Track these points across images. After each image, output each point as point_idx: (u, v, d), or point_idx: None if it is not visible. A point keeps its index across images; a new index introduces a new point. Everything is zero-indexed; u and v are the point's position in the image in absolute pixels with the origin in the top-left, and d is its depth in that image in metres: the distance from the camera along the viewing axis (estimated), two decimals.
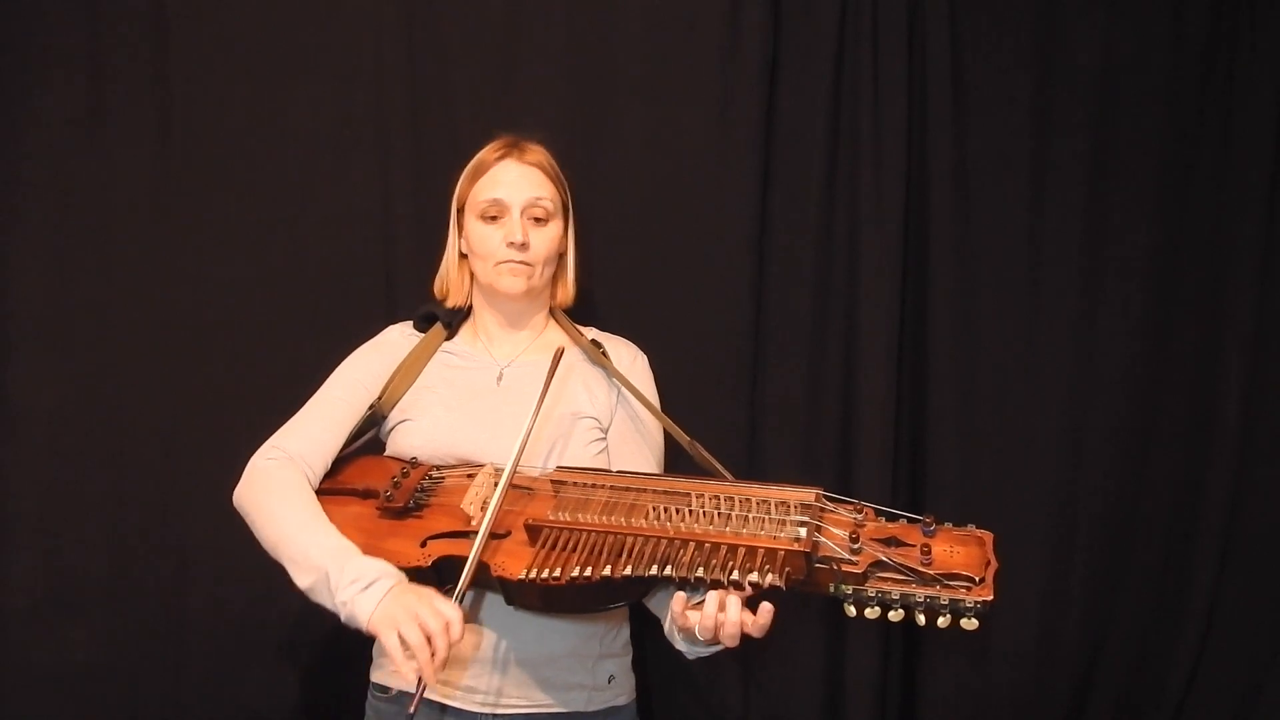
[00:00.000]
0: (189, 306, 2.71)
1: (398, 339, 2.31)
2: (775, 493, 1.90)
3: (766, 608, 1.75)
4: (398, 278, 2.73)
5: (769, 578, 1.73)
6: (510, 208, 2.19)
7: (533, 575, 1.82)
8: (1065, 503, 2.87)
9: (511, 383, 2.22)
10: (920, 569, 1.72)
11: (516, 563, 1.87)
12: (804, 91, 2.78)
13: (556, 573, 1.81)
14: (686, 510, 1.88)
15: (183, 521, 2.70)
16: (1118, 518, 2.88)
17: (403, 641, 1.78)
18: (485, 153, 2.25)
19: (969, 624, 1.69)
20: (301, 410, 2.19)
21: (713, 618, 1.75)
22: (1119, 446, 2.87)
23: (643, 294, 2.76)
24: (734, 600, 1.75)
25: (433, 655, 1.77)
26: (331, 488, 2.12)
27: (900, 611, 1.72)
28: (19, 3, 2.64)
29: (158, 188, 2.70)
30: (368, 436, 2.25)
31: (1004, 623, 2.81)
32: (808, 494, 1.89)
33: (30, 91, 2.66)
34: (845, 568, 1.74)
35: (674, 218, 2.78)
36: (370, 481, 2.12)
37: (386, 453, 2.24)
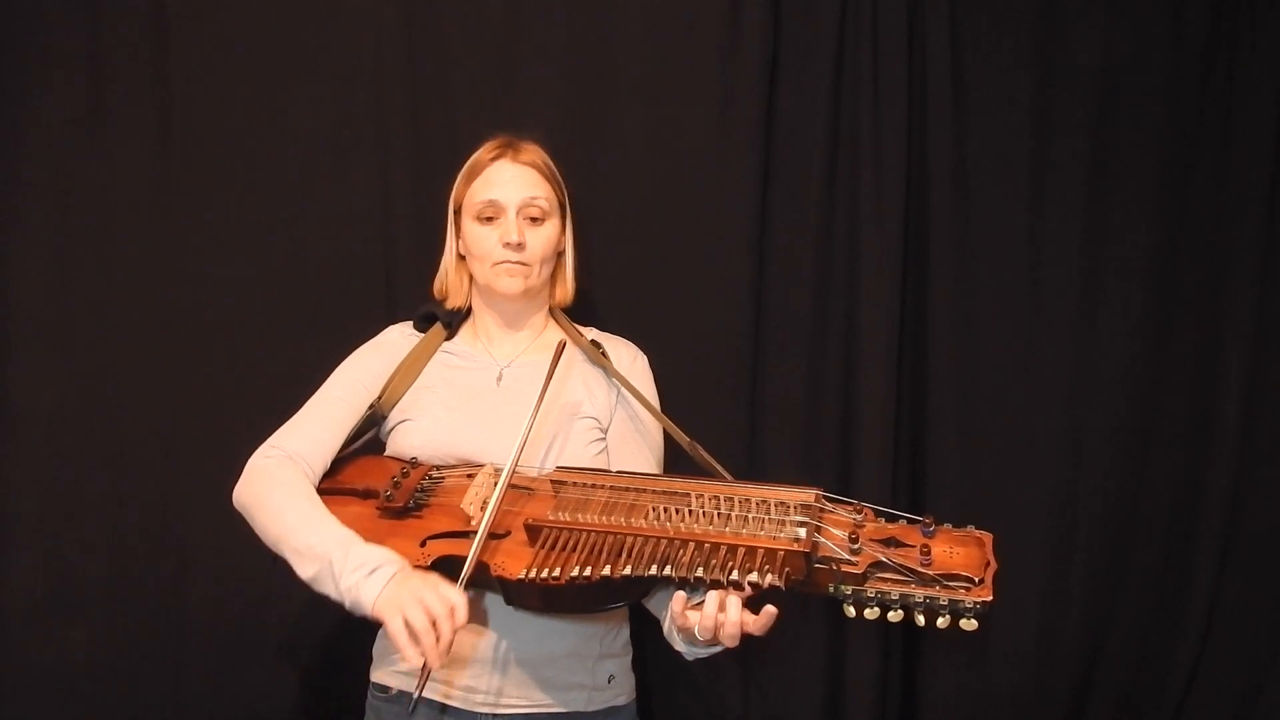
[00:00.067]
0: (189, 306, 2.71)
1: (398, 339, 2.31)
2: (775, 493, 1.90)
3: (768, 607, 1.75)
4: (398, 278, 2.73)
5: (768, 578, 1.73)
6: (506, 208, 2.19)
7: (532, 575, 1.82)
8: (1065, 503, 2.87)
9: (511, 383, 2.23)
10: (919, 570, 1.72)
11: (516, 562, 1.87)
12: (804, 91, 2.78)
13: (556, 572, 1.81)
14: (686, 510, 1.88)
15: (183, 521, 2.70)
16: (1118, 518, 2.88)
17: (408, 627, 1.78)
18: (480, 154, 2.25)
19: (968, 625, 1.69)
20: (301, 410, 2.19)
21: (713, 618, 1.75)
22: (1119, 446, 2.87)
23: (643, 294, 2.76)
24: (734, 600, 1.75)
25: (437, 640, 1.77)
26: (331, 488, 2.12)
27: (899, 612, 1.72)
28: (19, 3, 2.64)
29: (158, 188, 2.70)
30: (368, 436, 2.25)
31: (1004, 623, 2.81)
32: (807, 494, 1.89)
33: (30, 91, 2.66)
34: (845, 568, 1.74)
35: (674, 218, 2.78)
36: (370, 481, 2.12)
37: (386, 453, 2.24)
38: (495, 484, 1.95)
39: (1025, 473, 2.86)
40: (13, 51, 2.65)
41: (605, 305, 2.66)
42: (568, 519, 1.89)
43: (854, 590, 1.74)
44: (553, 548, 1.86)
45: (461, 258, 2.30)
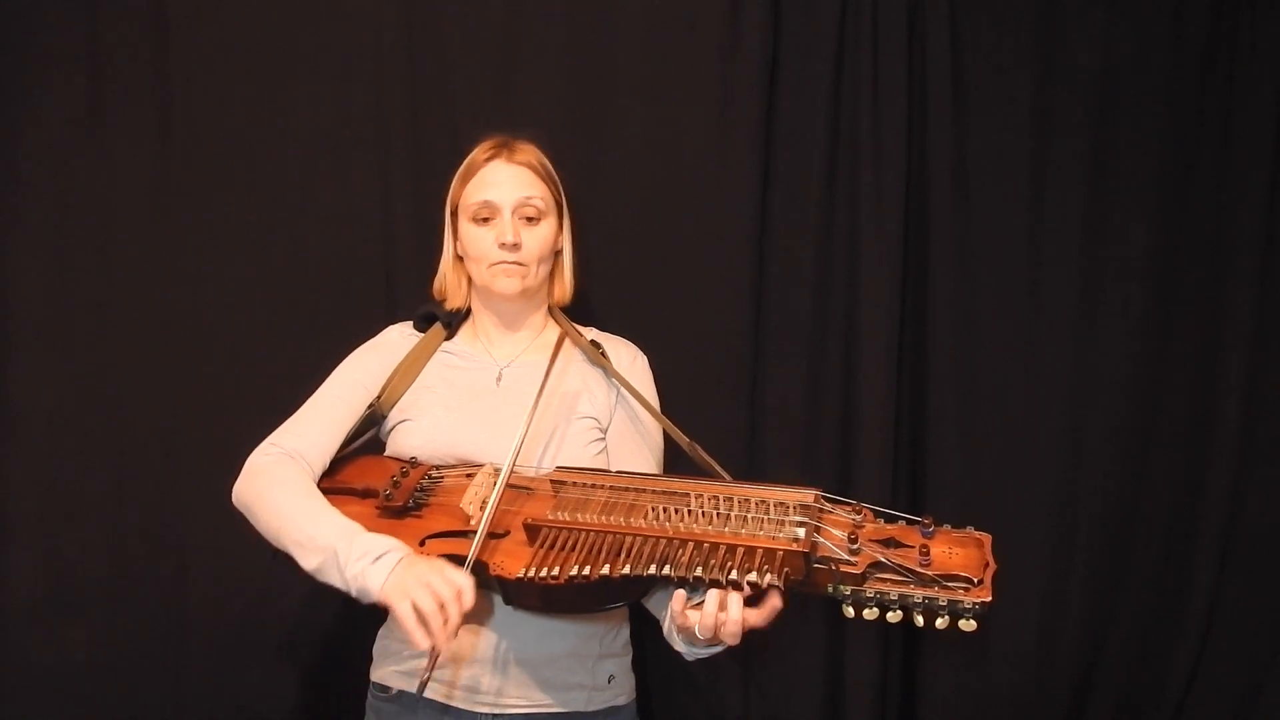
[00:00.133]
0: (189, 306, 2.71)
1: (397, 339, 2.31)
2: (774, 493, 1.90)
3: (772, 599, 1.75)
4: (398, 278, 2.73)
5: (767, 578, 1.73)
6: (501, 209, 2.19)
7: (531, 574, 1.83)
8: (1065, 503, 2.87)
9: (511, 383, 2.23)
10: (918, 570, 1.72)
11: (515, 562, 1.87)
12: (804, 91, 2.78)
13: (555, 572, 1.81)
14: (685, 510, 1.88)
15: (183, 521, 2.70)
16: (1118, 518, 2.88)
17: (416, 611, 1.78)
18: (475, 154, 2.25)
19: (967, 625, 1.69)
20: (300, 409, 2.20)
21: (713, 616, 1.75)
22: (1119, 446, 2.87)
23: (642, 294, 2.76)
24: (735, 597, 1.75)
25: (445, 623, 1.77)
26: (331, 487, 2.11)
27: (898, 612, 1.72)
28: (19, 3, 2.64)
29: (158, 188, 2.70)
30: (367, 436, 2.26)
31: (1004, 623, 2.81)
32: (807, 495, 1.89)
33: (30, 91, 2.66)
34: (844, 568, 1.74)
35: (674, 218, 2.77)
36: (369, 481, 2.12)
37: (386, 453, 2.24)
38: (495, 483, 1.95)
39: (1025, 473, 2.86)
40: (13, 51, 2.65)
41: (605, 305, 2.66)
42: (567, 518, 1.89)
43: (853, 590, 1.74)
44: (552, 547, 1.86)
45: (459, 259, 2.30)
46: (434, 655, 1.79)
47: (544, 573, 1.82)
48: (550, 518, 1.90)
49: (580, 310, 2.42)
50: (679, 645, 1.95)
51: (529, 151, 2.26)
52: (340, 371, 2.25)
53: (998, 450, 2.85)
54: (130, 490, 2.70)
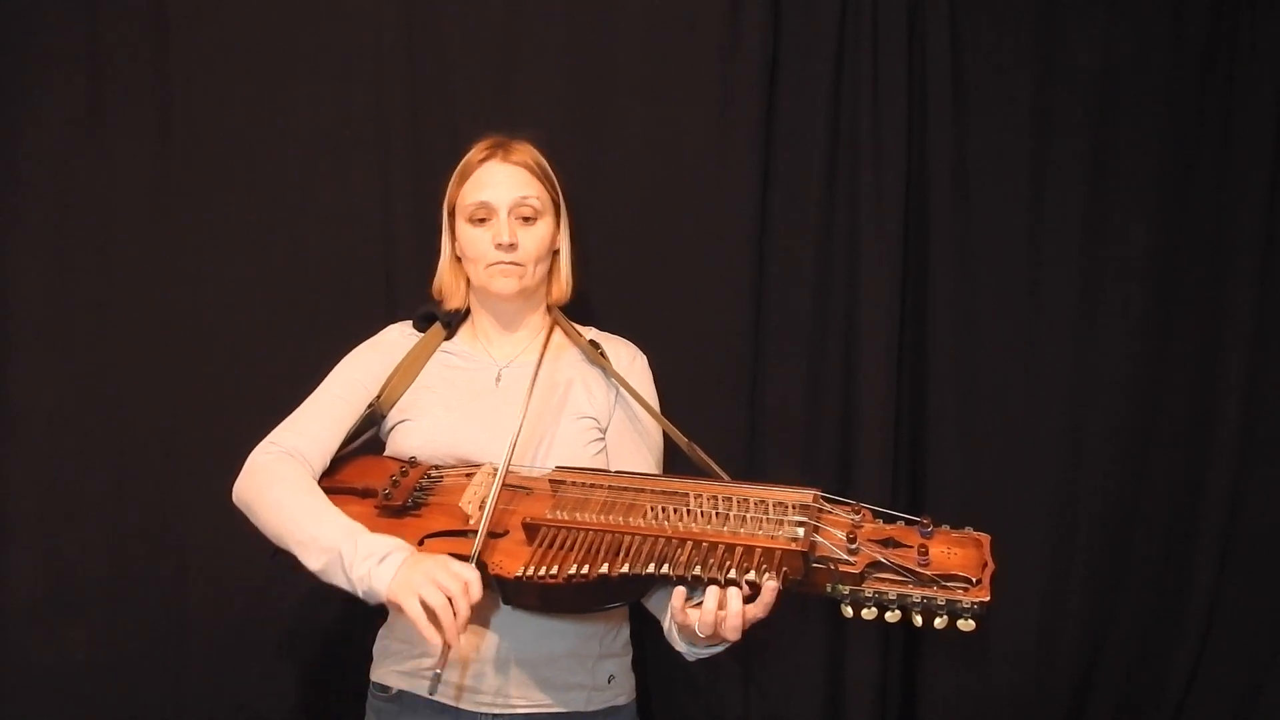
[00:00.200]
0: (189, 306, 2.71)
1: (397, 338, 2.31)
2: (773, 493, 1.90)
3: (769, 586, 1.75)
4: (398, 278, 2.73)
5: (766, 577, 1.73)
6: (497, 209, 2.19)
7: (530, 573, 1.83)
8: (1065, 503, 2.87)
9: (510, 383, 2.23)
10: (917, 570, 1.72)
11: (514, 561, 1.87)
12: (804, 91, 2.78)
13: (554, 571, 1.82)
14: (684, 510, 1.88)
15: (183, 521, 2.70)
16: (1118, 518, 2.88)
17: (424, 608, 1.78)
18: (471, 155, 2.25)
19: (966, 625, 1.69)
20: (300, 408, 2.20)
21: (713, 614, 1.75)
22: (1119, 446, 2.87)
23: (642, 294, 2.76)
24: (734, 592, 1.75)
25: (455, 616, 1.78)
26: (330, 487, 2.11)
27: (897, 612, 1.72)
28: (19, 3, 2.64)
29: (158, 188, 2.70)
30: (367, 436, 2.26)
31: (1004, 623, 2.81)
32: (806, 495, 1.89)
33: (30, 91, 2.66)
34: (842, 568, 1.74)
35: (674, 218, 2.77)
36: (369, 481, 2.12)
37: (386, 452, 2.24)
38: (494, 483, 1.95)
39: (1025, 473, 2.86)
40: (13, 51, 2.65)
41: (605, 305, 2.66)
42: (566, 518, 1.89)
43: (851, 590, 1.74)
44: (550, 546, 1.86)
45: (457, 259, 2.30)
46: (445, 651, 1.79)
47: (542, 572, 1.82)
48: (549, 517, 1.90)
49: (580, 310, 2.43)
50: (680, 645, 1.95)
51: (525, 151, 2.26)
52: (340, 370, 2.25)
53: (998, 450, 2.85)
54: (130, 490, 2.70)
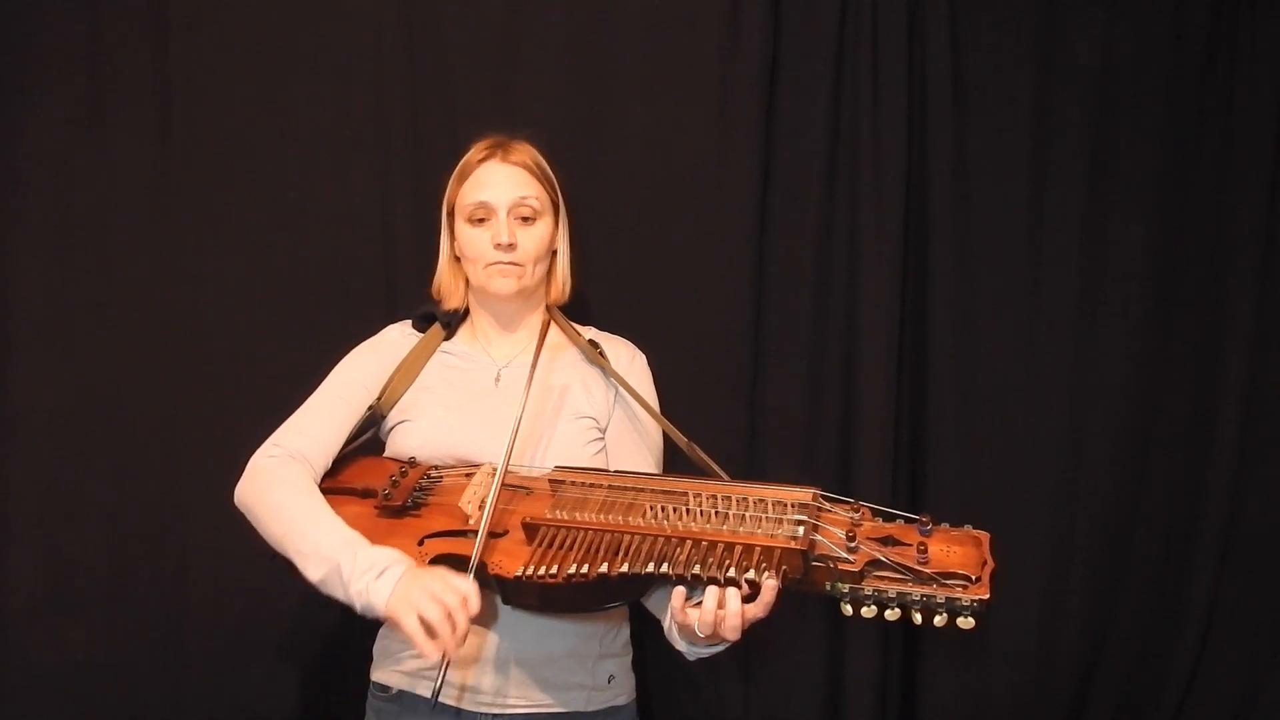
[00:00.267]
0: (189, 306, 2.71)
1: (397, 339, 2.31)
2: (773, 492, 1.89)
3: (768, 584, 1.75)
4: (398, 278, 2.73)
5: (765, 576, 1.73)
6: (496, 209, 2.18)
7: (529, 573, 1.83)
8: (1065, 503, 2.87)
9: (510, 383, 2.22)
10: (916, 568, 1.72)
11: (513, 561, 1.87)
12: (804, 91, 2.78)
13: (553, 570, 1.82)
14: (684, 509, 1.88)
15: (183, 521, 2.70)
16: (1118, 518, 2.88)
17: (423, 623, 1.78)
18: (470, 155, 2.25)
19: (965, 623, 1.69)
20: (301, 409, 2.19)
21: (712, 612, 1.75)
22: (1119, 446, 2.88)
23: (642, 294, 2.76)
24: (733, 592, 1.75)
25: (454, 630, 1.77)
26: (330, 487, 2.11)
27: (896, 610, 1.72)
28: (19, 3, 2.64)
29: (158, 188, 2.70)
30: (367, 436, 2.25)
31: (1004, 623, 2.81)
32: (805, 494, 1.88)
33: (30, 91, 2.66)
34: (842, 566, 1.74)
35: (674, 218, 2.78)
36: (369, 481, 2.12)
37: (386, 453, 2.24)
38: (494, 479, 1.95)
39: (1025, 473, 2.86)
40: (13, 51, 2.65)
41: (605, 305, 2.65)
42: (565, 517, 1.89)
43: (851, 589, 1.74)
44: (550, 546, 1.86)
45: (456, 259, 2.29)
46: (445, 663, 1.79)
47: (542, 571, 1.82)
48: (549, 517, 1.90)
49: (579, 310, 2.42)
50: (680, 644, 1.95)
51: (524, 151, 2.25)
52: (340, 370, 2.25)
53: (998, 450, 2.86)
54: (130, 490, 2.70)
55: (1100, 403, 2.87)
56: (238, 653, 2.71)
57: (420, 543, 1.97)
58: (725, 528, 1.82)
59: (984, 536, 1.80)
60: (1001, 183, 2.84)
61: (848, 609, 1.75)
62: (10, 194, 2.66)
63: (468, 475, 2.09)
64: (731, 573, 1.75)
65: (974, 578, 1.70)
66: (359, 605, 1.87)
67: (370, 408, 2.20)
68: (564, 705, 2.10)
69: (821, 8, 2.76)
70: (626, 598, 1.97)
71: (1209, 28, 2.83)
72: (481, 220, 2.19)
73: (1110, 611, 2.89)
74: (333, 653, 2.70)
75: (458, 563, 1.88)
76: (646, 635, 2.33)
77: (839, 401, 2.81)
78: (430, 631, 1.78)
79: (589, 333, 2.36)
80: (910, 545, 1.77)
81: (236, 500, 2.09)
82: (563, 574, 1.81)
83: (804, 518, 1.80)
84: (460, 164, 2.25)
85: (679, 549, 1.80)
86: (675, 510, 1.88)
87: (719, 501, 1.88)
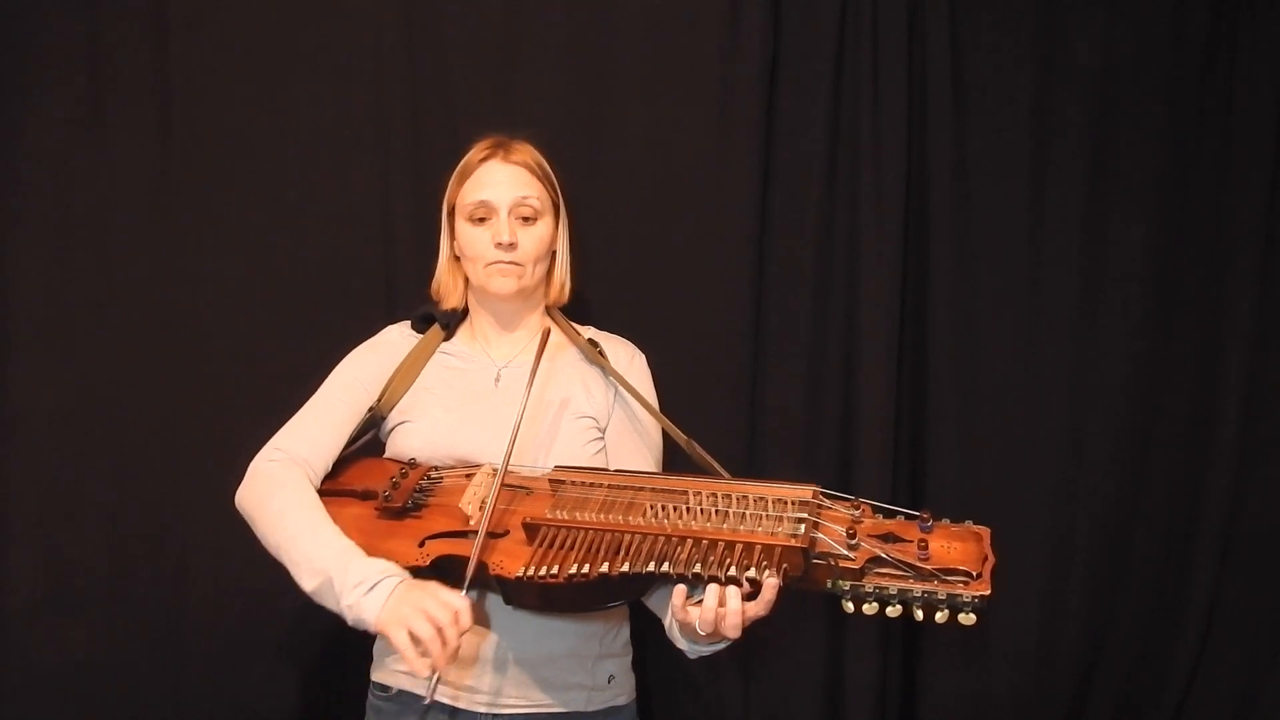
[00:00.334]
0: (189, 306, 2.71)
1: (396, 339, 2.31)
2: (773, 490, 1.89)
3: (769, 583, 1.75)
4: (398, 278, 2.73)
5: (766, 574, 1.73)
6: (497, 209, 2.18)
7: (530, 573, 1.82)
8: (1065, 503, 2.88)
9: (509, 384, 2.22)
10: (917, 564, 1.72)
11: (514, 561, 1.87)
12: (804, 91, 2.78)
13: (554, 570, 1.81)
14: (684, 508, 1.88)
15: (183, 521, 2.70)
16: (1118, 518, 2.88)
17: (413, 637, 1.78)
18: (471, 154, 2.25)
19: (967, 619, 1.68)
20: (301, 411, 2.19)
21: (713, 611, 1.75)
22: (1119, 446, 2.88)
23: (642, 294, 2.76)
24: (734, 590, 1.75)
25: (444, 645, 1.77)
26: (330, 489, 2.11)
27: (898, 607, 1.71)
28: (19, 3, 2.64)
29: (158, 188, 2.70)
30: (367, 437, 2.25)
31: (1004, 623, 2.81)
32: (805, 491, 1.88)
33: (30, 91, 2.66)
34: (842, 564, 1.74)
35: (674, 218, 2.78)
36: (369, 483, 2.12)
37: (386, 454, 2.23)
38: (494, 483, 1.95)
39: (1025, 473, 2.86)
40: (13, 51, 2.65)
41: (604, 305, 2.65)
42: (566, 517, 1.89)
43: (852, 586, 1.74)
44: (551, 546, 1.86)
45: (456, 258, 2.29)
46: (435, 678, 1.79)
47: (543, 572, 1.82)
48: (549, 517, 1.90)
49: (579, 310, 2.42)
50: (681, 643, 1.95)
51: (525, 151, 2.25)
52: (340, 372, 2.25)
53: (998, 450, 2.86)
54: (130, 490, 2.70)
55: (1100, 403, 2.87)
56: (238, 653, 2.71)
57: (421, 544, 1.97)
58: (726, 526, 1.82)
59: (984, 532, 1.80)
60: (1001, 183, 2.84)
61: (849, 606, 1.74)
62: (10, 194, 2.66)
63: (468, 476, 2.09)
64: (732, 571, 1.75)
65: (975, 573, 1.70)
66: (350, 618, 1.88)
67: (370, 409, 2.20)
68: (564, 705, 2.11)
69: (821, 8, 2.77)
70: (627, 597, 1.97)
71: (1209, 28, 2.83)
72: (482, 219, 2.19)
73: (1110, 611, 2.89)
74: (333, 653, 2.69)
75: (459, 563, 1.88)
76: (647, 635, 2.33)
77: (839, 401, 2.81)
78: (420, 647, 1.78)
79: (588, 332, 2.36)
80: (911, 542, 1.77)
81: (237, 504, 2.09)
82: (564, 574, 1.81)
83: (804, 515, 1.80)
84: (461, 163, 2.25)
85: (679, 548, 1.80)
86: (675, 509, 1.88)
87: (719, 500, 1.88)
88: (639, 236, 2.77)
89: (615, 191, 2.76)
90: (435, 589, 1.82)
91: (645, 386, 2.30)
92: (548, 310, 2.35)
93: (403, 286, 2.70)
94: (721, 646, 1.89)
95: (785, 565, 1.74)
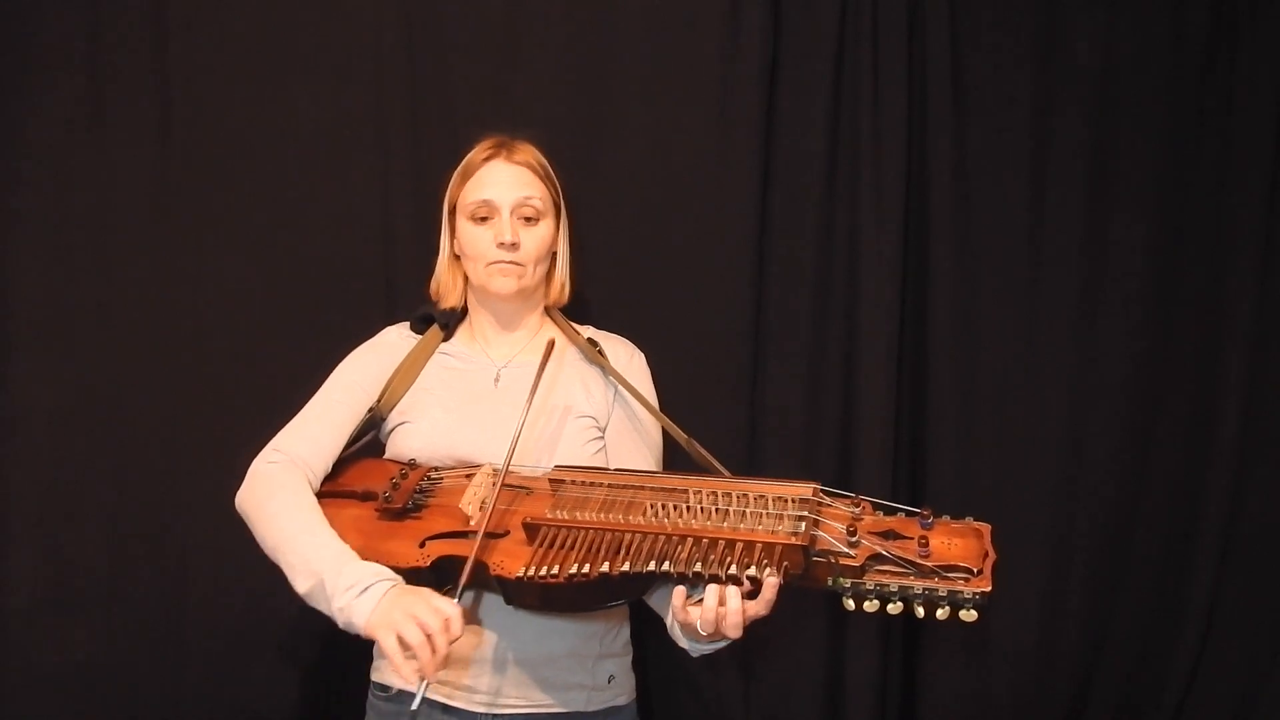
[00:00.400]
0: (189, 306, 2.71)
1: (396, 340, 2.31)
2: (773, 488, 1.89)
3: (770, 582, 1.75)
4: (398, 278, 2.73)
5: (767, 572, 1.73)
6: (500, 208, 2.18)
7: (531, 573, 1.83)
8: (1065, 503, 2.87)
9: (509, 384, 2.23)
10: (918, 561, 1.72)
11: (515, 561, 1.87)
12: (804, 91, 2.78)
13: (554, 570, 1.81)
14: (684, 507, 1.88)
15: (183, 521, 2.70)
16: (1118, 518, 2.88)
17: (402, 643, 1.77)
18: (474, 154, 2.25)
19: (967, 615, 1.69)
20: (301, 412, 2.19)
21: (713, 610, 1.76)
22: (1119, 446, 2.87)
23: (642, 294, 2.76)
24: (734, 590, 1.76)
25: (433, 653, 1.76)
26: (331, 490, 2.12)
27: (899, 604, 1.72)
28: (19, 3, 2.64)
29: (158, 188, 2.70)
30: (368, 438, 2.26)
31: (1004, 623, 2.81)
32: (805, 489, 1.88)
33: (30, 91, 2.66)
34: (843, 561, 1.74)
35: (674, 218, 2.78)
36: (369, 483, 2.12)
37: (386, 454, 2.24)
38: (494, 484, 1.95)
39: (1025, 473, 2.86)
40: (13, 51, 2.65)
41: (604, 305, 2.65)
42: (566, 517, 1.89)
43: (853, 583, 1.74)
44: (551, 546, 1.86)
45: (456, 258, 2.29)
46: (423, 685, 1.78)
47: (544, 572, 1.82)
48: (549, 516, 1.90)
49: (579, 310, 2.43)
50: (683, 642, 1.96)
51: (528, 151, 2.26)
52: (340, 373, 2.25)
53: (998, 450, 2.85)
54: (130, 490, 2.70)
55: (1100, 403, 2.87)
56: (238, 653, 2.71)
57: (422, 544, 1.97)
58: (726, 525, 1.82)
59: (985, 528, 1.80)
60: (1001, 183, 2.83)
61: (850, 604, 1.75)
62: (10, 194, 2.66)
63: (468, 476, 2.09)
64: (733, 570, 1.76)
65: (976, 570, 1.71)
66: (340, 621, 1.88)
67: (370, 410, 2.21)
68: (564, 705, 2.11)
69: (821, 8, 2.76)
70: (628, 596, 1.98)
71: (1209, 28, 2.83)
72: (484, 219, 2.19)
73: (1110, 611, 2.89)
74: (333, 653, 2.68)
75: (460, 564, 1.88)
76: (647, 635, 2.33)
77: (839, 401, 2.81)
78: (409, 652, 1.78)
79: (588, 331, 2.36)
80: (911, 539, 1.77)
81: (237, 506, 2.10)
82: (564, 574, 1.81)
83: (804, 513, 1.80)
84: (464, 162, 2.26)
85: (680, 547, 1.80)
86: (676, 508, 1.88)
87: (719, 498, 1.89)
88: (639, 236, 2.77)
89: (615, 191, 2.75)
90: (428, 595, 1.82)
91: (645, 385, 2.30)
92: (547, 310, 2.35)
93: (403, 286, 2.69)
94: (723, 645, 1.89)
95: (786, 563, 1.74)
